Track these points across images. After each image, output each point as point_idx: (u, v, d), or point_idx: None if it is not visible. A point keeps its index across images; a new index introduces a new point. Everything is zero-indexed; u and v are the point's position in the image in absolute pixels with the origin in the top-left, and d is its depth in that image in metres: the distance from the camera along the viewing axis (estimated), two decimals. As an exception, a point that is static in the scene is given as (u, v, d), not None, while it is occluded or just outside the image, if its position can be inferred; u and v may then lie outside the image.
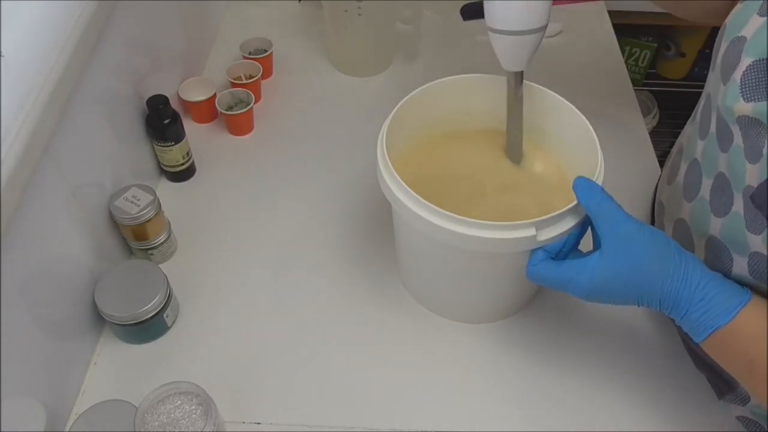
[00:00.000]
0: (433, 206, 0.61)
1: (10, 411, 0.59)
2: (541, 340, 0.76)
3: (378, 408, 0.71)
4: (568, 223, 0.63)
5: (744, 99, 0.55)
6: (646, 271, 0.57)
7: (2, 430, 0.57)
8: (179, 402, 0.64)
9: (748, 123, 0.55)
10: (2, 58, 0.57)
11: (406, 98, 0.71)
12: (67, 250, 0.70)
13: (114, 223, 0.78)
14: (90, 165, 0.74)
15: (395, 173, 0.64)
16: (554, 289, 0.63)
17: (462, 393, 0.72)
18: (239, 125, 0.98)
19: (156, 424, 0.63)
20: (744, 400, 0.67)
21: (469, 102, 0.76)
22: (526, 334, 0.77)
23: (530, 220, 0.61)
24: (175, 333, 0.77)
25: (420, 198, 0.62)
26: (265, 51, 1.05)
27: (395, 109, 0.70)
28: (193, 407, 0.64)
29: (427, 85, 0.72)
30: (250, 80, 1.00)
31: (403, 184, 0.63)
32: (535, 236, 0.61)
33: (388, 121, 0.69)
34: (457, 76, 0.74)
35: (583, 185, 0.60)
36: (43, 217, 0.64)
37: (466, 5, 1.22)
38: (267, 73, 1.06)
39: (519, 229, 0.61)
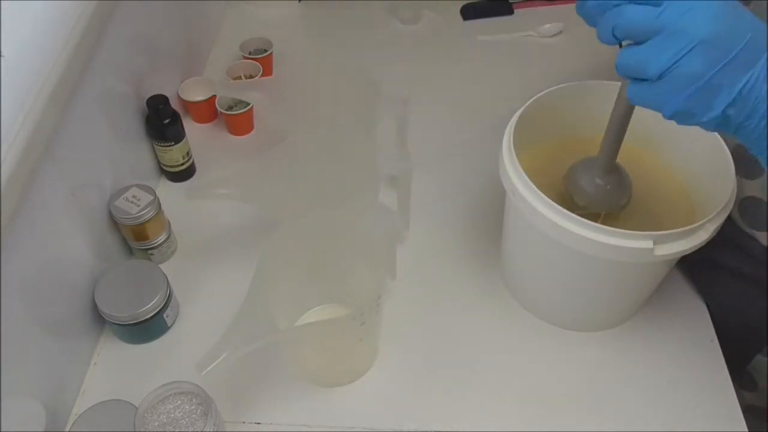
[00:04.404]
0: (553, 203, 0.61)
1: (10, 411, 0.59)
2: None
3: (385, 409, 0.71)
4: (689, 243, 0.61)
5: None
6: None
7: (2, 430, 0.57)
8: (179, 402, 0.64)
9: None
10: (2, 58, 0.57)
11: (534, 98, 0.70)
12: (67, 250, 0.70)
13: (114, 223, 0.78)
14: (90, 165, 0.74)
15: (519, 165, 0.64)
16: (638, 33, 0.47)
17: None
18: (239, 125, 0.98)
19: (156, 424, 0.63)
20: None
21: (591, 109, 0.74)
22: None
23: (649, 233, 0.59)
24: (175, 333, 0.77)
25: (541, 193, 0.62)
26: (265, 51, 1.05)
27: (524, 107, 0.69)
28: (193, 407, 0.64)
29: (555, 88, 0.71)
30: (250, 80, 1.00)
31: (526, 177, 0.63)
32: (652, 249, 0.59)
33: (517, 115, 0.69)
34: (588, 82, 0.72)
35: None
36: (43, 217, 0.64)
37: (466, 5, 1.22)
38: (267, 73, 1.06)
39: (636, 239, 0.59)
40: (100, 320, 0.75)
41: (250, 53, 1.06)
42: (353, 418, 0.70)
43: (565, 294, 0.74)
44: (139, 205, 0.77)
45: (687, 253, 0.62)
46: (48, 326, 0.66)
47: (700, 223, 0.61)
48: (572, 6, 1.18)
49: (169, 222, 0.82)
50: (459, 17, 1.21)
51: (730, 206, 0.63)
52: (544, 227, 0.62)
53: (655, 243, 0.60)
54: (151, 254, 0.81)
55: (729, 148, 0.67)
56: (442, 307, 0.79)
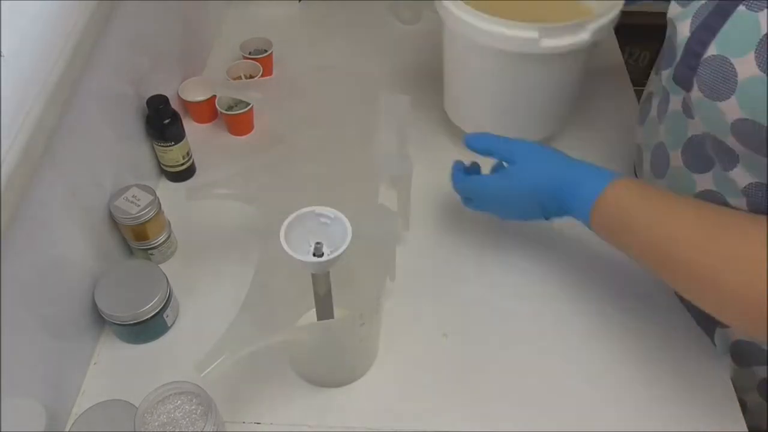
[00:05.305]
0: (466, 5, 0.75)
1: (10, 411, 0.59)
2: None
3: (379, 407, 0.71)
4: (571, 39, 0.73)
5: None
6: (539, 173, 0.70)
7: (2, 430, 0.57)
8: (179, 402, 0.64)
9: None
10: (2, 58, 0.57)
11: None
12: (67, 250, 0.70)
13: (114, 223, 0.78)
14: (90, 165, 0.74)
15: None
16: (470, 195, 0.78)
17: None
18: (239, 125, 0.98)
19: (156, 424, 0.63)
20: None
21: None
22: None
23: (535, 24, 0.72)
24: (175, 333, 0.77)
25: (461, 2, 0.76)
26: (265, 51, 1.05)
27: None
28: (193, 407, 0.64)
29: None
30: (250, 80, 1.00)
31: None
32: (537, 40, 0.70)
33: None
34: None
35: (473, 138, 0.75)
36: (43, 217, 0.64)
37: (466, 5, 1.22)
38: (267, 73, 1.06)
39: (523, 30, 0.73)
40: (100, 320, 0.75)
41: (250, 53, 1.06)
42: (353, 418, 0.70)
43: (494, 102, 0.86)
44: (139, 205, 0.77)
45: (570, 49, 0.75)
46: (48, 326, 0.66)
47: (582, 20, 0.72)
48: (572, 6, 1.12)
49: (169, 222, 0.82)
50: (459, 17, 1.21)
51: (616, 15, 0.77)
52: (458, 28, 0.78)
53: (540, 35, 0.72)
54: (151, 254, 0.81)
55: None
56: (441, 307, 0.79)
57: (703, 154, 0.67)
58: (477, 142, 0.75)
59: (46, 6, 0.63)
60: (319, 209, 0.61)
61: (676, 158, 0.71)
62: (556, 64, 0.80)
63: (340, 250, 0.58)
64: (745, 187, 0.63)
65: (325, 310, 0.67)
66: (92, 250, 0.74)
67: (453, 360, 0.75)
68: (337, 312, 0.68)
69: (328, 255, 0.58)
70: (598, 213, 0.66)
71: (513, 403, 0.71)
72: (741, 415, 0.70)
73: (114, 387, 0.71)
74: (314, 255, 0.59)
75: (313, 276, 0.63)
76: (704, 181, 0.67)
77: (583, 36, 0.74)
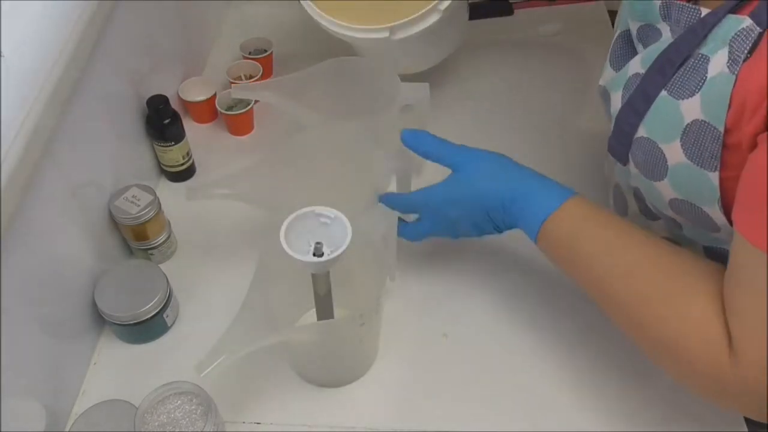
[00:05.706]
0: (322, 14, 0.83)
1: (10, 411, 0.59)
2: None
3: (379, 407, 0.71)
4: (422, 25, 0.78)
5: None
6: (489, 181, 0.67)
7: (2, 430, 0.57)
8: (179, 402, 0.64)
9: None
10: (2, 58, 0.57)
11: None
12: (67, 250, 0.70)
13: (114, 223, 0.78)
14: (90, 165, 0.74)
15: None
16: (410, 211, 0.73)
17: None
18: (239, 125, 0.98)
19: (156, 424, 0.63)
20: None
21: None
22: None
23: (384, 26, 0.77)
24: (175, 333, 0.77)
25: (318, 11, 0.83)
26: (265, 51, 1.05)
27: None
28: (193, 407, 0.64)
29: None
30: (250, 80, 1.00)
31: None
32: (388, 38, 0.77)
33: None
34: None
35: (410, 136, 0.71)
36: (43, 217, 0.64)
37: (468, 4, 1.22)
38: (267, 73, 1.06)
39: (375, 32, 0.79)
40: (100, 320, 0.75)
41: (250, 53, 1.06)
42: (353, 418, 0.70)
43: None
44: (139, 205, 0.77)
45: (421, 32, 0.79)
46: (48, 326, 0.66)
47: (429, 7, 0.75)
48: (572, 6, 1.20)
49: (169, 222, 0.82)
50: (459, 17, 1.21)
51: None
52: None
53: (391, 33, 0.78)
54: (151, 254, 0.81)
55: None
56: (441, 307, 0.79)
57: (647, 207, 0.67)
58: (414, 140, 0.71)
59: (46, 6, 0.63)
60: (319, 209, 0.61)
61: (631, 203, 0.71)
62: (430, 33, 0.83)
63: (340, 250, 0.58)
64: (704, 248, 0.64)
65: (325, 310, 0.67)
66: (92, 250, 0.74)
67: (453, 360, 0.75)
68: (337, 312, 0.68)
69: (328, 255, 0.59)
70: (545, 235, 0.63)
71: (513, 403, 0.71)
72: (741, 415, 0.70)
73: (114, 387, 0.71)
74: (314, 255, 0.59)
75: (313, 276, 0.63)
76: (659, 229, 0.67)
77: (434, 17, 0.78)
